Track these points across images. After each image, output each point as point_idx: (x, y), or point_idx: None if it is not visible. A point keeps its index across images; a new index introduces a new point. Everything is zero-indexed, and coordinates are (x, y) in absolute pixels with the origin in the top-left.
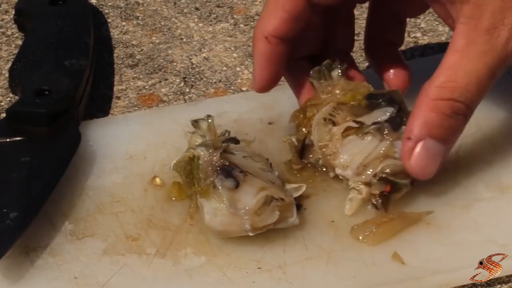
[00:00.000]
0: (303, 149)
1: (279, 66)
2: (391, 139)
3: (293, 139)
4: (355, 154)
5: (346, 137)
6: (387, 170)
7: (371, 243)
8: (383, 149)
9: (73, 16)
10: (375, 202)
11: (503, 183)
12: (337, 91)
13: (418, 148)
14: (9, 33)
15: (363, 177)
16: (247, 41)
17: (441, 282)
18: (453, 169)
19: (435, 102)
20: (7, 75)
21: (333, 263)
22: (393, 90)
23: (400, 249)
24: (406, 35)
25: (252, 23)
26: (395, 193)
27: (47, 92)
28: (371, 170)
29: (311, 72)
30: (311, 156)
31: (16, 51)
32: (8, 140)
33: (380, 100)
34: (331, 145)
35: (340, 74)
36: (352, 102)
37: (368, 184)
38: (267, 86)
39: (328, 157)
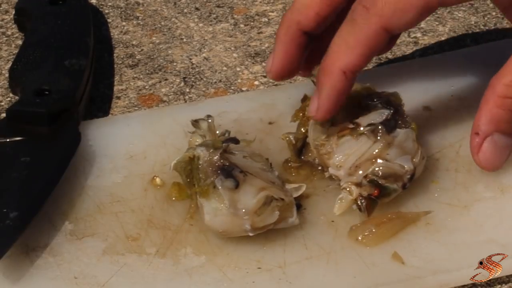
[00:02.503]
0: (302, 148)
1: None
2: (384, 141)
3: (291, 137)
4: (349, 154)
5: (342, 137)
6: (379, 172)
7: (370, 243)
8: (376, 150)
9: (73, 16)
10: (359, 204)
11: (503, 183)
12: None
13: (486, 143)
14: (9, 33)
15: (355, 177)
16: (247, 41)
17: (441, 282)
18: (453, 169)
19: (502, 99)
20: (7, 75)
21: (333, 263)
22: (391, 93)
23: (400, 249)
24: (406, 35)
25: (252, 23)
26: (383, 198)
27: (47, 92)
28: (362, 171)
29: (312, 71)
30: (310, 154)
31: (16, 51)
32: (8, 140)
33: (377, 102)
34: (327, 144)
35: None
36: (352, 103)
37: (359, 185)
38: (329, 116)
39: (323, 157)
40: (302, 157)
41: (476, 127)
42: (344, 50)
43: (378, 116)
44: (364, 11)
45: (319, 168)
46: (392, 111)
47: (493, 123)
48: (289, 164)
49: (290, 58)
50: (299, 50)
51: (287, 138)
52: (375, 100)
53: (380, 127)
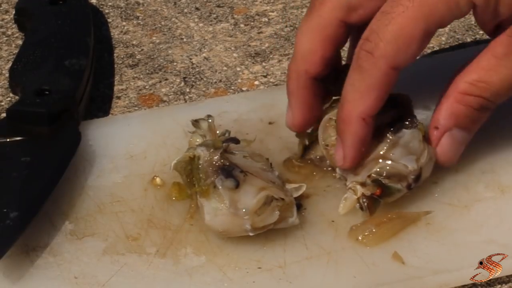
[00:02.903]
0: (307, 147)
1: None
2: (389, 141)
3: (305, 137)
4: None
5: None
6: (383, 172)
7: (370, 243)
8: (382, 151)
9: (73, 16)
10: (361, 203)
11: (503, 183)
12: None
13: (444, 138)
14: (9, 33)
15: (359, 177)
16: (247, 41)
17: (441, 282)
18: (453, 168)
19: (464, 96)
20: (7, 75)
21: (333, 262)
22: (400, 94)
23: (400, 249)
24: None
25: (252, 23)
26: (386, 197)
27: (47, 92)
28: (366, 171)
29: (326, 76)
30: (313, 152)
31: (16, 51)
32: (8, 140)
33: (385, 102)
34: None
35: None
36: None
37: (363, 184)
38: (357, 163)
39: (333, 157)
40: (306, 157)
41: (435, 121)
42: (359, 98)
43: (386, 117)
44: (369, 57)
45: (329, 168)
46: (399, 112)
47: (453, 118)
48: (292, 161)
49: (309, 106)
50: (315, 96)
51: (300, 137)
52: None
53: (386, 127)
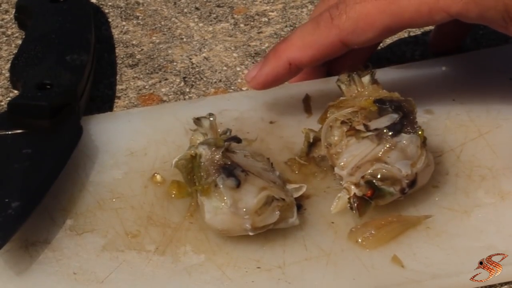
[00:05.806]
0: (312, 144)
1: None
2: (387, 144)
3: (311, 134)
4: (355, 155)
5: (350, 138)
6: (377, 174)
7: (370, 246)
8: (379, 153)
9: (74, 13)
10: (351, 203)
11: (504, 189)
12: (362, 97)
13: None
14: (9, 32)
15: (354, 177)
16: (247, 41)
17: (440, 286)
18: (454, 174)
19: None
20: (7, 75)
21: (333, 264)
22: (405, 99)
23: (399, 252)
24: (406, 34)
25: (252, 22)
26: (378, 200)
27: (48, 86)
28: (361, 172)
29: (338, 77)
30: (316, 150)
31: (16, 51)
32: (9, 132)
33: (388, 106)
34: (339, 145)
35: (371, 80)
36: (371, 108)
37: (357, 185)
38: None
39: (333, 156)
40: (309, 154)
41: None
42: (299, 46)
43: (387, 120)
44: (329, 20)
45: (325, 169)
46: (400, 116)
47: None
48: (295, 158)
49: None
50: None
51: (306, 133)
52: (386, 104)
53: (385, 130)
